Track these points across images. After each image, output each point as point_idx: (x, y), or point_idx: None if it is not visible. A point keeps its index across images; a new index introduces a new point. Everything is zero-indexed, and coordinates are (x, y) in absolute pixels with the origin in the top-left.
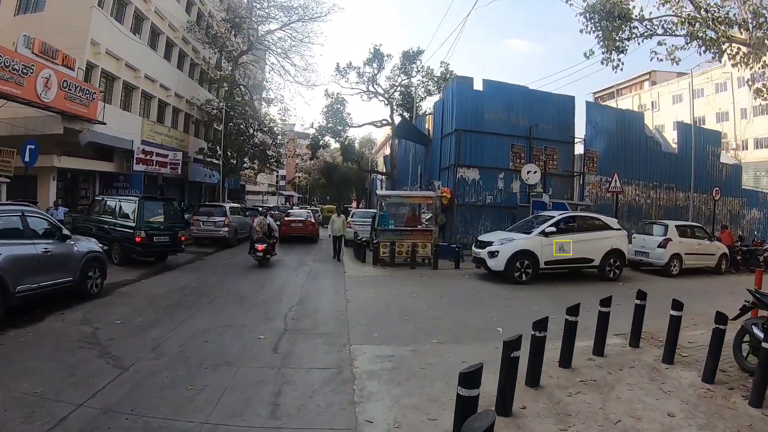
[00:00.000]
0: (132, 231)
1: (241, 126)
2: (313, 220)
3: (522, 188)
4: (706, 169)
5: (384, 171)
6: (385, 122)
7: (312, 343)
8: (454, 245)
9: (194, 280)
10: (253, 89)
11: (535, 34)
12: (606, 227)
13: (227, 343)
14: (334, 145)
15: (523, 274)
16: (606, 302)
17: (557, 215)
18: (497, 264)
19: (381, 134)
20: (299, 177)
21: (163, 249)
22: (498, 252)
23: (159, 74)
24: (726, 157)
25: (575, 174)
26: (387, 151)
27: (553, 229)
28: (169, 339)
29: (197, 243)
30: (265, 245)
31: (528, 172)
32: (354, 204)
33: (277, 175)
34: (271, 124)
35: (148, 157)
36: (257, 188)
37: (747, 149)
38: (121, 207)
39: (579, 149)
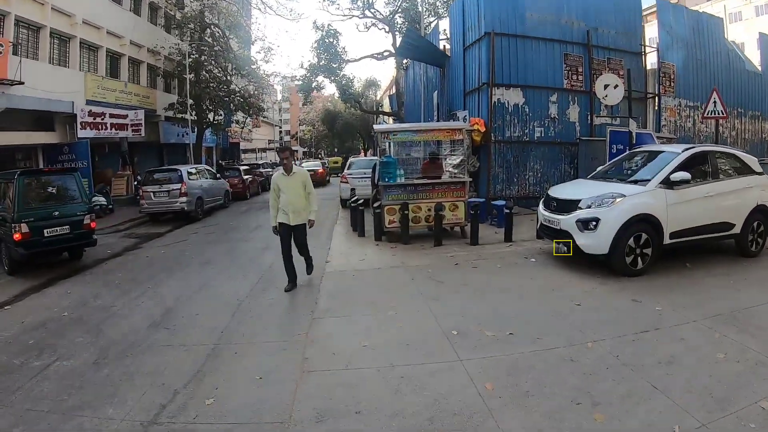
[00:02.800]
0: (9, 225)
1: (215, 71)
2: (322, 170)
3: (582, 115)
4: None
5: (390, 111)
6: (387, 53)
7: None
8: (502, 203)
9: (79, 303)
10: (229, 29)
11: None
12: (748, 170)
13: None
14: (331, 90)
15: (639, 259)
16: None
17: (680, 152)
18: (597, 242)
19: (385, 76)
20: (303, 130)
21: (60, 247)
22: (598, 221)
23: (104, 19)
24: None
25: (648, 95)
26: (393, 90)
27: (685, 175)
28: None
29: (153, 221)
30: None
31: (606, 87)
32: (361, 154)
33: (280, 130)
34: (252, 66)
35: (97, 119)
36: (253, 145)
37: None
38: (3, 188)
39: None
